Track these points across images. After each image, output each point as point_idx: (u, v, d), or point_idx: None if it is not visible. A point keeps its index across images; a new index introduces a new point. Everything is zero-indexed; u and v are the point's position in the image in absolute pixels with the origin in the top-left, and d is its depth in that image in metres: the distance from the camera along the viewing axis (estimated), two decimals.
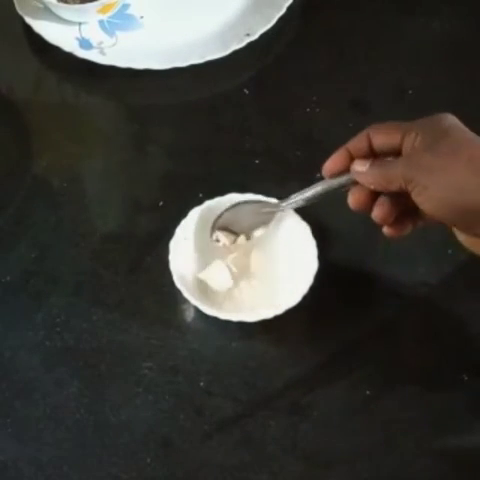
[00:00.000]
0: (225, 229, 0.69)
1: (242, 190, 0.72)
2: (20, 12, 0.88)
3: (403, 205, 0.62)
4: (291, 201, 0.68)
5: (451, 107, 0.83)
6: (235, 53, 0.86)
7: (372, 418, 0.66)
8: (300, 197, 0.67)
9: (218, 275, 0.70)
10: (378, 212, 0.63)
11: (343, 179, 0.64)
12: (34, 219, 0.77)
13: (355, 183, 0.63)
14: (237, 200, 0.71)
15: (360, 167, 0.63)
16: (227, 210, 0.69)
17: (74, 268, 0.74)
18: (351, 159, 0.63)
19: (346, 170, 0.64)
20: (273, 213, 0.69)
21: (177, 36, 0.89)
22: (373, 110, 0.83)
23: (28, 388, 0.68)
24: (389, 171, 0.61)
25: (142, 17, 0.91)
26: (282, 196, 0.70)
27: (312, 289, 0.67)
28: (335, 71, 0.87)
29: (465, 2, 0.91)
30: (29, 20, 0.88)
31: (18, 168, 0.80)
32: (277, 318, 0.66)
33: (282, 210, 0.68)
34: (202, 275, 0.70)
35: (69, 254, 0.75)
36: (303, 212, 0.69)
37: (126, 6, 0.91)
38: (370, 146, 0.63)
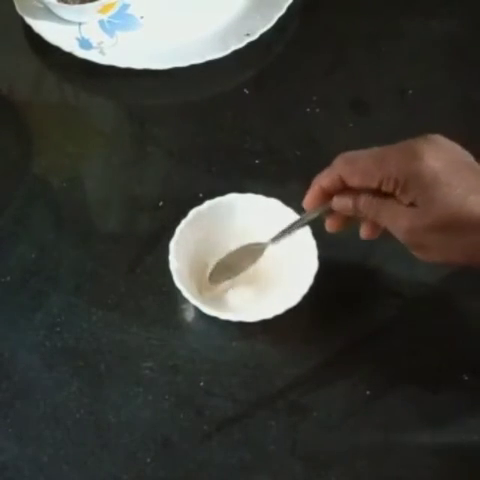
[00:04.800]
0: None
1: (242, 190, 0.72)
2: (20, 12, 0.88)
3: None
4: (278, 236, 0.68)
5: (451, 107, 0.83)
6: (235, 53, 0.86)
7: (372, 418, 0.66)
8: (286, 231, 0.68)
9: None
10: (366, 232, 0.66)
11: (322, 209, 0.66)
12: (34, 219, 0.77)
13: (331, 210, 0.65)
14: (237, 200, 0.71)
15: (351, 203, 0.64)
16: (221, 260, 0.70)
17: (74, 268, 0.74)
18: (325, 193, 0.65)
19: (323, 204, 0.65)
20: (261, 250, 0.69)
21: (177, 36, 0.89)
22: (373, 110, 0.84)
23: (28, 388, 0.68)
24: (391, 222, 0.62)
25: (142, 17, 0.91)
26: (282, 196, 0.71)
27: (312, 289, 0.67)
28: (335, 71, 0.87)
29: (464, 2, 0.91)
30: (29, 20, 0.88)
31: (18, 168, 0.80)
32: (277, 318, 0.66)
33: (267, 246, 0.69)
34: (206, 280, 0.71)
35: (69, 254, 0.75)
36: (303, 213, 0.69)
37: (126, 6, 0.91)
38: (344, 183, 0.63)
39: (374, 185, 0.61)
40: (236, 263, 0.70)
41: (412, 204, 0.60)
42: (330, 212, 0.66)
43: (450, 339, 0.70)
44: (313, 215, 0.67)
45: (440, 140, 0.60)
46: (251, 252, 0.69)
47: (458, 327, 0.70)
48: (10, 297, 0.72)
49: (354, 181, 0.62)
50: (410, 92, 0.85)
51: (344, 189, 0.63)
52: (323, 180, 0.64)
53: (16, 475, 0.64)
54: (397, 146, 0.61)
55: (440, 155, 0.59)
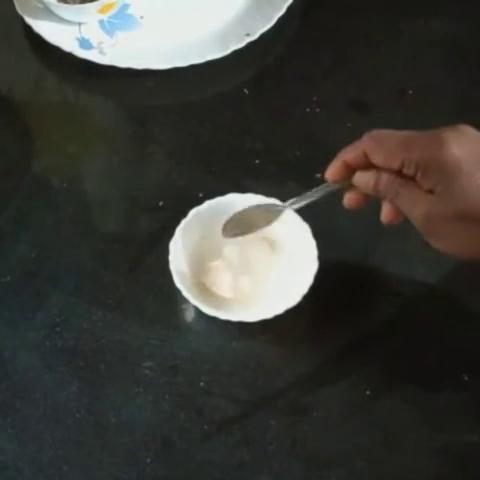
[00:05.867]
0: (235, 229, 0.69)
1: (242, 190, 0.72)
2: (20, 12, 0.88)
3: None
4: (295, 202, 0.68)
5: (451, 107, 0.83)
6: (235, 53, 0.86)
7: (372, 418, 0.66)
8: (304, 199, 0.67)
9: (221, 281, 0.70)
10: (387, 216, 0.64)
11: (344, 183, 0.65)
12: (34, 219, 0.77)
13: (351, 186, 0.64)
14: (237, 200, 0.71)
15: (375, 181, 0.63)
16: (237, 213, 0.69)
17: (74, 268, 0.74)
18: (348, 167, 0.64)
19: (345, 179, 0.64)
20: (278, 212, 0.69)
21: (177, 36, 0.89)
22: (373, 110, 0.83)
23: (28, 388, 0.68)
24: (409, 205, 0.61)
25: (142, 17, 0.91)
26: (282, 196, 0.71)
27: (312, 289, 0.67)
28: (335, 71, 0.87)
29: (465, 2, 0.91)
30: (29, 20, 0.88)
31: (18, 168, 0.80)
32: (277, 318, 0.66)
33: (285, 209, 0.68)
34: (206, 280, 0.70)
35: (69, 254, 0.75)
36: (303, 213, 0.69)
37: (126, 6, 0.91)
38: (368, 160, 0.62)
39: (396, 166, 0.60)
40: (251, 220, 0.69)
41: (431, 191, 0.59)
42: (350, 187, 0.65)
43: (450, 339, 0.70)
44: (333, 187, 0.65)
45: (469, 130, 0.60)
46: (267, 212, 0.68)
47: (458, 327, 0.70)
48: (10, 297, 0.72)
49: (378, 158, 0.61)
50: (410, 92, 0.85)
51: (367, 166, 0.63)
52: (348, 154, 0.64)
53: (16, 475, 0.64)
54: (426, 132, 0.60)
55: (466, 145, 0.58)
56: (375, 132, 0.63)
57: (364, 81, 0.86)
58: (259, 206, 0.69)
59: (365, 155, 0.62)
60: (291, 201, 0.68)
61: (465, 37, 0.89)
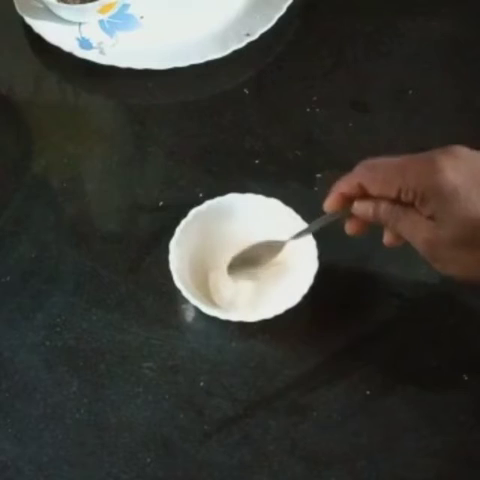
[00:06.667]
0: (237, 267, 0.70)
1: (242, 190, 0.72)
2: (20, 12, 0.88)
3: None
4: (296, 236, 0.68)
5: (451, 107, 0.83)
6: (235, 53, 0.86)
7: (372, 418, 0.66)
8: (305, 232, 0.68)
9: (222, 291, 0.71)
10: (388, 239, 0.64)
11: (344, 212, 0.65)
12: (34, 219, 0.77)
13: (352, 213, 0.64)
14: (237, 200, 0.71)
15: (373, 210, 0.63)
16: (242, 253, 0.70)
17: (74, 268, 0.74)
18: (346, 198, 0.64)
19: (344, 208, 0.64)
20: (279, 247, 0.69)
21: (177, 36, 0.89)
22: (373, 110, 0.83)
23: (28, 388, 0.68)
24: (410, 232, 0.61)
25: (142, 17, 0.91)
26: (282, 196, 0.71)
27: (312, 289, 0.67)
28: (335, 71, 0.87)
29: (465, 2, 0.91)
30: (29, 20, 0.88)
31: (18, 168, 0.80)
32: (277, 318, 0.66)
33: (286, 243, 0.69)
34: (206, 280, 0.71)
35: (69, 254, 0.75)
36: (304, 213, 0.69)
37: (126, 6, 0.91)
38: (364, 191, 0.62)
39: (393, 195, 0.60)
40: (254, 258, 0.69)
41: (431, 217, 0.59)
42: (351, 215, 0.65)
43: (450, 339, 0.70)
44: (334, 217, 0.66)
45: (462, 152, 0.59)
46: (270, 248, 0.69)
47: (458, 327, 0.70)
48: (10, 297, 0.72)
49: (374, 189, 0.61)
50: (410, 92, 0.85)
51: (365, 195, 0.63)
52: (343, 186, 0.64)
53: (16, 475, 0.64)
54: (418, 157, 0.60)
55: (461, 168, 0.58)
56: (368, 162, 0.62)
57: (364, 81, 0.86)
58: (261, 244, 0.69)
59: (360, 186, 0.62)
60: (292, 235, 0.68)
61: (465, 37, 0.89)
